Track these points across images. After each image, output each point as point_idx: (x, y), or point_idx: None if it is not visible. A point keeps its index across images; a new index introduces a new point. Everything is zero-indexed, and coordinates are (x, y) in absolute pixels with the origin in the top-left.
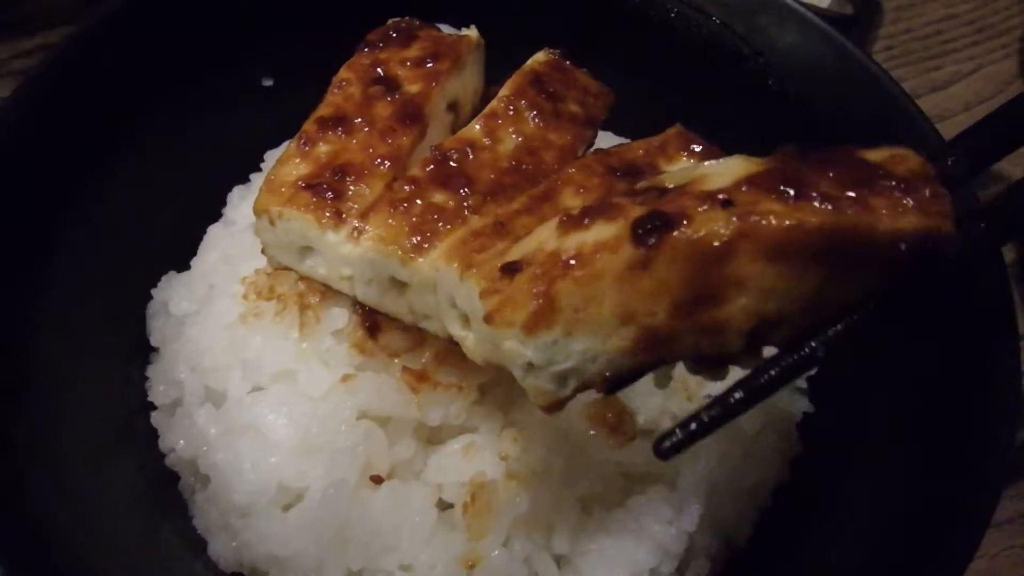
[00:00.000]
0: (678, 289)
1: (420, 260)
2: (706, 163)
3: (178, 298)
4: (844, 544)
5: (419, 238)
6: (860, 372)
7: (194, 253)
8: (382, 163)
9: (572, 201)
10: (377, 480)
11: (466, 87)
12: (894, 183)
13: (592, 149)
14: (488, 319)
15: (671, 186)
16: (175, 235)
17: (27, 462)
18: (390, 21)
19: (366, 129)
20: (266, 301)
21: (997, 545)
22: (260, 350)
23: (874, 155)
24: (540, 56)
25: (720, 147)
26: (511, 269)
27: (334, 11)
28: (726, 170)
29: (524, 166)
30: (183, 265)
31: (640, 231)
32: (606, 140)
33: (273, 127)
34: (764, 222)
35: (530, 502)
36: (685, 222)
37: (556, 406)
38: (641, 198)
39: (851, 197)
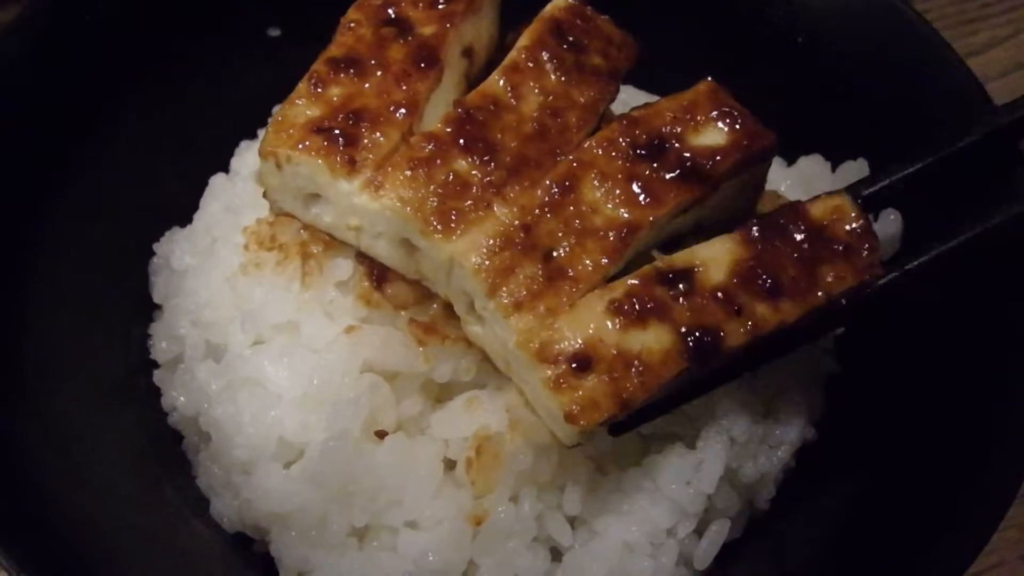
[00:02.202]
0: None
1: (439, 239)
2: (699, 247)
3: (180, 252)
4: (869, 506)
5: (441, 212)
6: (889, 332)
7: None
8: (397, 110)
9: (593, 196)
10: (381, 435)
11: (481, 32)
12: (837, 249)
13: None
14: (570, 419)
15: (683, 267)
16: (180, 193)
17: (23, 421)
18: None
19: (379, 73)
20: (267, 251)
21: None
22: (261, 302)
23: (816, 210)
24: (559, 2)
25: (748, 98)
26: (581, 365)
27: None
28: (718, 256)
29: (547, 130)
30: (188, 222)
31: (695, 350)
32: (626, 93)
33: (280, 80)
34: (764, 325)
35: (537, 456)
36: (722, 336)
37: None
38: (671, 287)
39: (810, 279)
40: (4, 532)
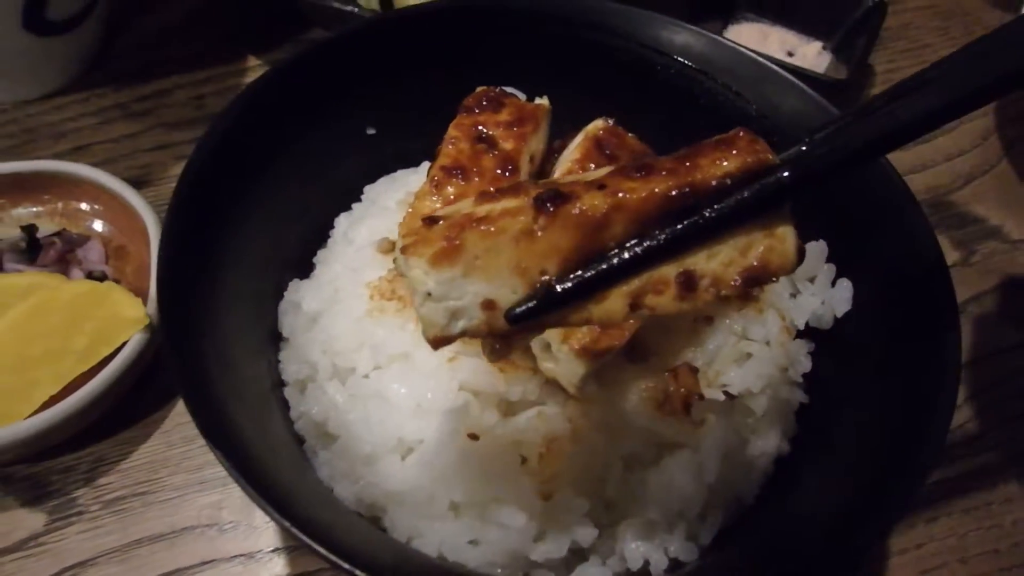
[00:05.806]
0: (567, 251)
1: None
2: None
3: (309, 298)
4: (827, 504)
5: None
6: (844, 373)
7: (307, 266)
8: None
9: None
10: (474, 437)
11: (539, 142)
12: (714, 143)
13: None
14: (403, 250)
15: (563, 182)
16: (293, 250)
17: (236, 405)
18: (479, 89)
19: (477, 179)
20: (387, 300)
21: None
22: (383, 337)
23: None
24: (599, 123)
25: None
26: (431, 221)
27: (421, 81)
28: (599, 171)
29: None
30: (301, 274)
31: (539, 202)
32: None
33: (370, 167)
34: (628, 196)
35: (588, 455)
36: (573, 196)
37: (442, 341)
38: (544, 187)
39: (685, 165)
40: (253, 482)
